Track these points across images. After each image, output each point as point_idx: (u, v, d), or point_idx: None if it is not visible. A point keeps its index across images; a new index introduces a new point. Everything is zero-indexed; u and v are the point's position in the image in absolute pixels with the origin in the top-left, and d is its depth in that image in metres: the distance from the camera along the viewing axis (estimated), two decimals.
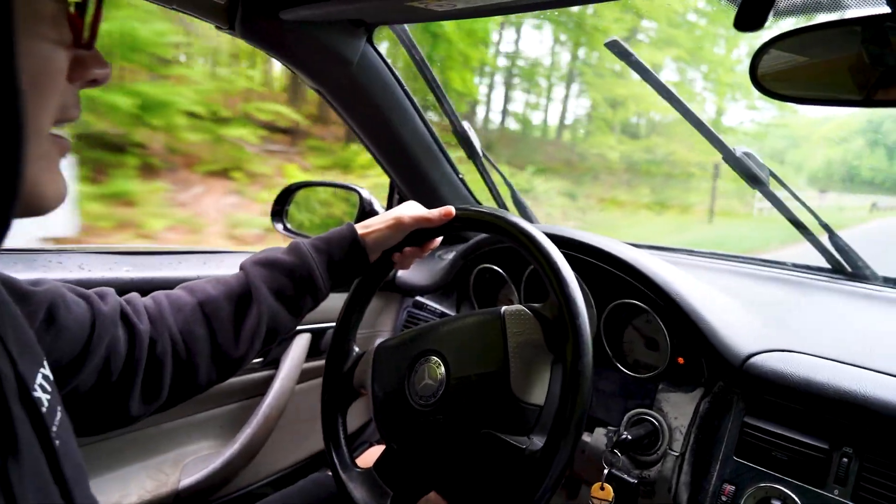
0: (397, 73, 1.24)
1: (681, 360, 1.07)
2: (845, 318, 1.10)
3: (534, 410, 0.81)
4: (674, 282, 1.06)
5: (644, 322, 1.16)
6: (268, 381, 1.31)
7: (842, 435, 0.88)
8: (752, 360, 0.96)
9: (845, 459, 0.87)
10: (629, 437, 1.02)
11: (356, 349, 1.01)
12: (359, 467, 0.95)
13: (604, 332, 1.17)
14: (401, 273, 1.51)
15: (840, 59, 0.75)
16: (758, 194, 1.24)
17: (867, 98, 0.75)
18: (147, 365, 0.71)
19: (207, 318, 0.77)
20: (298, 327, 1.36)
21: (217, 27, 1.02)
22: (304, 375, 1.36)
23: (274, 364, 1.33)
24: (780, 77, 0.78)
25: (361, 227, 0.90)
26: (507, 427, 0.81)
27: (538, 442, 0.78)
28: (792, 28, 0.74)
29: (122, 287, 0.96)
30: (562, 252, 0.81)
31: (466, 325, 0.89)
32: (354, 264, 0.89)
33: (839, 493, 0.87)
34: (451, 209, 0.91)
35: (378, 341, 0.99)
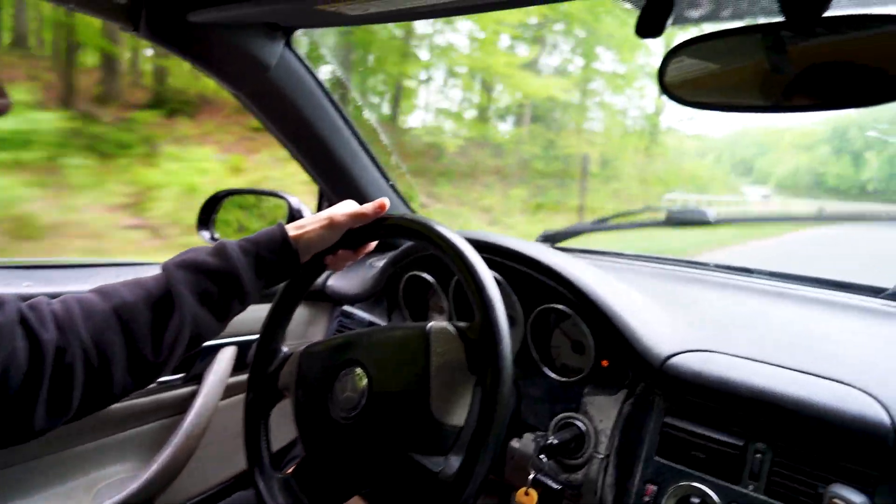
0: (319, 76, 1.25)
1: (605, 363, 1.09)
2: (763, 317, 1.14)
3: (453, 431, 0.83)
4: (595, 285, 1.09)
5: (571, 326, 1.18)
6: (190, 398, 1.29)
7: (756, 431, 0.92)
8: (672, 360, 0.99)
9: (759, 455, 0.90)
10: (555, 441, 1.04)
11: (285, 349, 1.02)
12: (280, 473, 0.96)
13: (531, 336, 1.19)
14: (331, 281, 1.51)
15: (744, 67, 0.79)
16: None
17: (773, 105, 0.79)
18: (53, 375, 0.69)
19: (123, 324, 0.75)
20: (223, 340, 1.35)
21: (121, 28, 1.02)
22: (230, 391, 1.35)
23: (196, 379, 1.31)
24: (687, 84, 0.82)
25: (293, 228, 0.89)
26: (424, 447, 0.83)
27: (455, 462, 0.80)
28: (696, 35, 0.77)
29: None
30: (487, 257, 0.83)
31: (392, 340, 0.90)
32: (285, 266, 0.88)
33: (753, 489, 0.90)
34: (385, 202, 0.92)
35: (304, 344, 1.00)
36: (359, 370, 0.90)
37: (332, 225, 0.90)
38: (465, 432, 0.81)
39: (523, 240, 1.28)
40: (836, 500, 0.81)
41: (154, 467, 1.21)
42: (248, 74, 1.17)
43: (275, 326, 1.00)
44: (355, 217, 0.91)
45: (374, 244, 0.98)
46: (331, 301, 1.49)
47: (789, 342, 1.02)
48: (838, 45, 0.71)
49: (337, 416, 0.89)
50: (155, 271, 0.80)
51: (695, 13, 0.75)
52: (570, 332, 1.19)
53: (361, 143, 1.42)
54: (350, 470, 0.89)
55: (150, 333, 0.76)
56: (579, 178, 12.33)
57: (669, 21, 0.71)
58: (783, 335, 1.06)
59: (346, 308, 1.34)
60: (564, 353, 1.20)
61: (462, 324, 0.85)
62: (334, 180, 1.43)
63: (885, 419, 0.81)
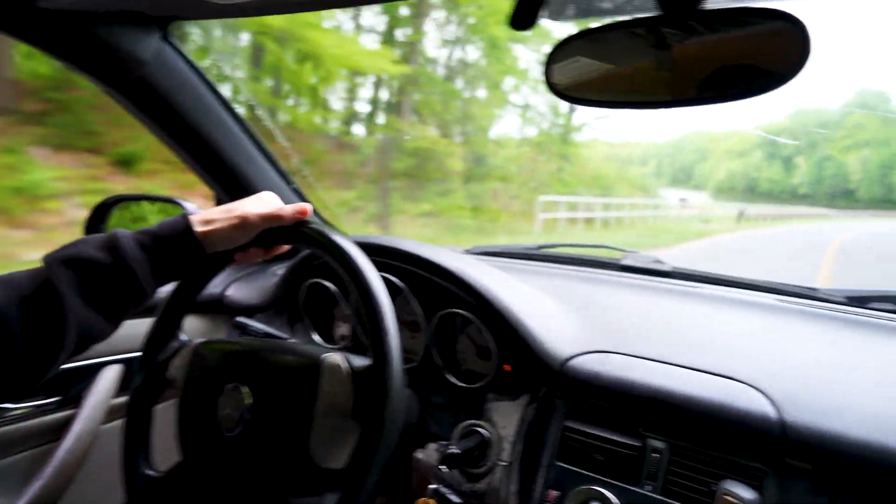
0: (205, 73, 1.19)
1: (507, 368, 1.08)
2: (667, 317, 1.17)
3: (331, 473, 0.81)
4: (496, 289, 1.08)
5: (476, 331, 1.17)
6: (66, 424, 1.20)
7: (653, 431, 0.92)
8: (571, 362, 1.00)
9: (655, 455, 0.91)
10: (457, 450, 1.03)
11: (183, 337, 0.98)
12: (153, 470, 0.94)
13: (436, 342, 1.17)
14: (230, 291, 1.45)
15: (630, 63, 0.79)
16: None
17: (661, 100, 0.80)
18: None
19: None
20: (108, 357, 1.26)
21: None
22: (114, 413, 1.26)
23: (75, 402, 1.22)
24: (575, 82, 0.82)
25: (200, 222, 0.82)
26: (298, 488, 0.83)
27: (329, 501, 0.80)
28: (578, 31, 0.77)
29: None
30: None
31: (283, 364, 0.87)
32: (187, 264, 0.82)
33: (651, 489, 0.90)
34: (307, 208, 0.87)
35: (200, 339, 0.96)
36: (245, 389, 0.87)
37: (244, 225, 0.84)
38: (343, 472, 0.80)
39: (431, 244, 1.26)
40: (726, 497, 0.82)
41: (21, 503, 1.12)
42: (119, 69, 1.09)
43: (174, 311, 0.96)
44: (270, 219, 0.86)
45: (288, 246, 0.95)
46: (228, 312, 1.43)
47: (687, 341, 1.04)
48: (716, 41, 0.73)
49: (218, 426, 0.87)
50: None
51: (571, 7, 0.75)
52: (476, 337, 1.18)
53: (258, 145, 1.37)
54: (222, 486, 0.87)
55: (22, 337, 0.68)
56: (380, 178, 11.47)
57: (543, 14, 0.71)
58: (683, 334, 1.08)
59: (241, 320, 1.28)
60: (470, 358, 1.19)
61: (358, 362, 0.83)
62: (229, 184, 1.36)
63: (771, 413, 0.83)
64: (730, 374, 0.91)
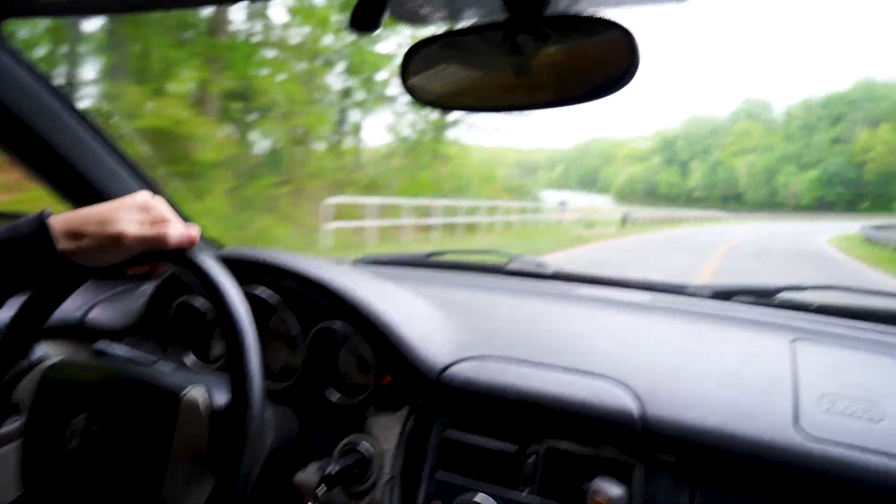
0: (42, 73, 1.10)
1: (386, 380, 1.08)
2: (543, 320, 1.21)
3: None
4: (370, 298, 1.08)
5: (356, 343, 1.16)
6: None
7: (529, 434, 0.95)
8: (448, 370, 1.00)
9: (531, 459, 0.93)
10: (335, 469, 1.01)
11: (35, 356, 0.92)
12: None
13: (315, 356, 1.15)
14: (94, 313, 1.35)
15: (482, 67, 0.81)
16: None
17: (516, 104, 0.83)
18: None
19: None
20: None
21: None
22: None
23: None
24: (430, 85, 0.83)
25: (65, 234, 0.71)
26: None
27: None
28: (432, 35, 0.78)
29: None
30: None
31: (140, 397, 0.82)
32: (37, 275, 0.73)
33: (528, 492, 0.92)
34: (195, 236, 0.77)
35: (52, 360, 0.90)
36: (96, 422, 0.82)
37: (115, 246, 0.73)
38: None
39: (309, 256, 1.24)
40: (597, 496, 0.86)
41: None
42: None
43: (24, 323, 0.88)
44: (149, 243, 0.75)
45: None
46: (91, 338, 1.33)
47: (562, 342, 1.08)
48: (561, 47, 0.76)
49: (64, 460, 0.82)
50: None
51: (418, 10, 0.76)
52: (356, 350, 1.16)
53: (108, 146, 1.28)
54: None
55: None
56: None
57: (384, 16, 0.71)
58: (558, 336, 1.12)
59: (100, 345, 1.19)
60: (353, 372, 1.17)
61: (221, 400, 0.80)
62: (75, 190, 1.27)
63: (634, 408, 0.87)
64: (598, 373, 0.95)
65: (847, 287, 1.40)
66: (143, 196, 0.78)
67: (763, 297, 1.32)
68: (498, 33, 0.75)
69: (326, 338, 1.15)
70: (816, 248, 15.82)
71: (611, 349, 1.04)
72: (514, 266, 1.55)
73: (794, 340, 1.07)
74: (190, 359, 1.28)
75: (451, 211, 14.63)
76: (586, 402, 0.90)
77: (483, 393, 0.97)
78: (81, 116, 1.22)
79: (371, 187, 13.45)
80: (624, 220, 22.16)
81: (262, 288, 1.13)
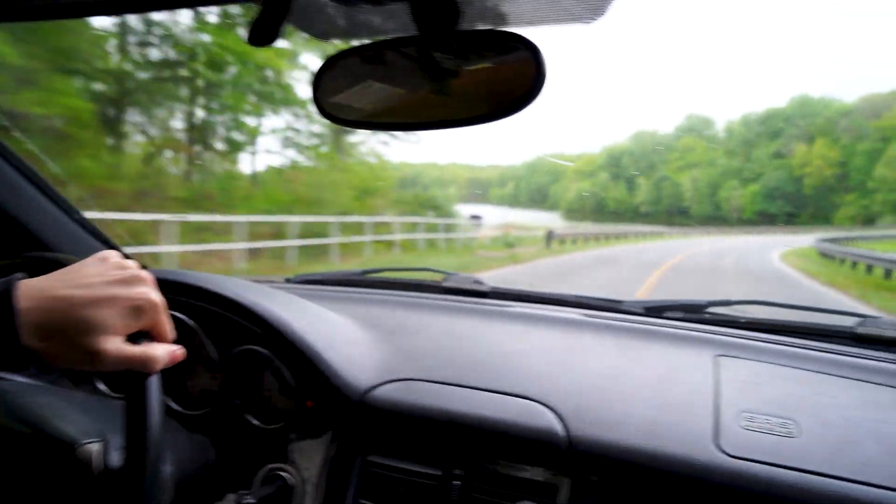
0: None
1: (309, 404, 1.06)
2: (474, 339, 1.21)
3: None
4: (290, 319, 1.06)
5: (280, 365, 1.13)
6: None
7: (454, 459, 0.94)
8: (372, 393, 0.99)
9: (456, 482, 0.93)
10: (254, 499, 0.98)
11: None
12: None
13: (235, 381, 1.12)
14: None
15: (399, 82, 0.82)
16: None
17: (434, 120, 0.83)
18: None
19: None
20: None
21: None
22: None
23: None
24: (345, 103, 0.83)
25: (35, 330, 0.59)
26: None
27: None
28: (343, 50, 0.78)
29: None
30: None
31: (28, 449, 0.77)
32: None
33: None
34: (180, 354, 0.69)
35: None
36: None
37: (93, 361, 0.62)
38: None
39: (229, 276, 1.21)
40: None
41: None
42: None
43: None
44: (132, 365, 0.64)
45: None
46: None
47: (492, 362, 1.08)
48: (474, 65, 0.77)
49: None
50: None
51: (325, 24, 0.76)
52: (279, 372, 1.14)
53: (24, 175, 1.21)
54: None
55: None
56: None
57: (283, 30, 0.71)
58: (489, 356, 1.12)
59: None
60: (276, 396, 1.15)
61: (117, 459, 0.74)
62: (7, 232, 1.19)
63: (559, 428, 0.88)
64: (524, 394, 0.96)
65: (773, 302, 1.46)
66: (140, 289, 0.66)
67: (693, 312, 1.36)
68: (412, 49, 0.76)
69: (248, 361, 1.12)
70: (771, 269, 13.65)
71: (539, 369, 1.05)
72: (449, 284, 1.55)
73: (718, 356, 1.10)
74: (102, 387, 1.22)
75: (313, 229, 11.80)
76: (512, 423, 0.91)
77: (407, 415, 0.96)
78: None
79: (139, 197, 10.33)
80: (549, 239, 19.24)
81: (179, 313, 1.10)
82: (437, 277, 1.63)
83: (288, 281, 1.69)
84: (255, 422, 1.09)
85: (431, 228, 16.57)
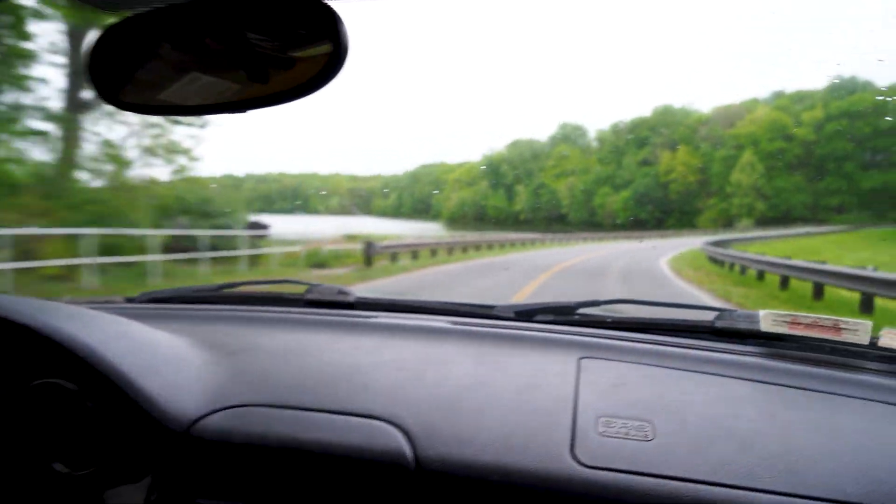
0: None
1: (125, 443, 0.92)
2: (326, 356, 1.13)
3: None
4: (97, 344, 0.92)
5: (89, 398, 0.98)
6: None
7: (296, 493, 0.85)
8: (199, 423, 0.89)
9: None
10: None
11: None
12: None
13: (33, 421, 0.95)
14: None
15: (185, 59, 0.72)
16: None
17: (212, 105, 0.74)
18: None
19: None
20: None
21: None
22: None
23: None
24: (130, 83, 0.72)
25: None
26: None
27: None
28: (118, 22, 0.68)
29: None
30: None
31: None
32: None
33: None
34: None
35: None
36: None
37: None
38: None
39: (30, 297, 1.04)
40: None
41: None
42: None
43: None
44: None
45: None
46: None
47: (340, 380, 1.01)
48: (270, 38, 0.70)
49: None
50: None
51: None
52: (88, 408, 0.99)
53: None
54: None
55: None
56: None
57: None
58: (338, 374, 1.05)
59: None
60: (85, 436, 0.99)
61: None
62: None
63: (407, 449, 0.82)
64: (370, 413, 0.89)
65: (640, 300, 1.49)
66: None
67: (563, 314, 1.35)
68: (197, 18, 0.66)
69: (50, 396, 0.96)
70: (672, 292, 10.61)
71: (391, 385, 0.99)
72: (312, 296, 1.47)
73: (581, 358, 1.08)
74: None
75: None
76: (355, 446, 0.84)
77: (241, 447, 0.86)
78: None
79: None
80: (368, 255, 14.62)
81: None
82: (300, 290, 1.53)
83: (130, 301, 1.53)
84: (61, 468, 0.94)
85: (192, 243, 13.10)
